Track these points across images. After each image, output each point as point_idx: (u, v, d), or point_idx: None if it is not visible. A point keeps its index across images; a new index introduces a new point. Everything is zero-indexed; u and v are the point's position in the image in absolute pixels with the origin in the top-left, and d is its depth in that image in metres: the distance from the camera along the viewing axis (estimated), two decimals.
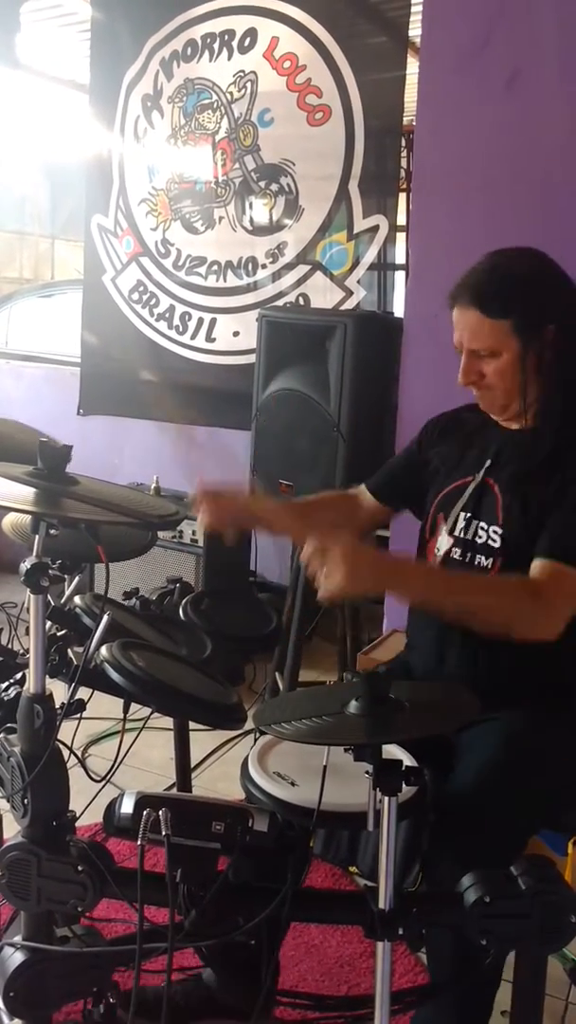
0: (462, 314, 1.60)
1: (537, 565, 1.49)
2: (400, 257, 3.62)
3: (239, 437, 3.50)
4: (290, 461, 2.87)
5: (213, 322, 3.79)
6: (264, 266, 3.60)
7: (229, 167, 3.63)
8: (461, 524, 1.67)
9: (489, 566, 1.60)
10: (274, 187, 3.52)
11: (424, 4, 2.69)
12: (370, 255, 3.36)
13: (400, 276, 3.61)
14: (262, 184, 3.55)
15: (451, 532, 1.68)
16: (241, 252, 3.65)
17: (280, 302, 3.54)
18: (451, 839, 1.40)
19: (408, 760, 1.38)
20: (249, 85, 3.53)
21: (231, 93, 3.59)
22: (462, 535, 1.66)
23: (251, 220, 3.61)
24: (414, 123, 2.77)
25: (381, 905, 1.16)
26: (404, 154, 3.79)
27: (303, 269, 3.50)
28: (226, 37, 3.57)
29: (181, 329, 3.88)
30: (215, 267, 3.74)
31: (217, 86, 3.63)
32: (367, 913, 1.16)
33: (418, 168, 2.80)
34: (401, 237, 3.81)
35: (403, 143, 3.65)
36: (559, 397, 1.58)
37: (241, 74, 3.55)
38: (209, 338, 3.81)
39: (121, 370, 4.09)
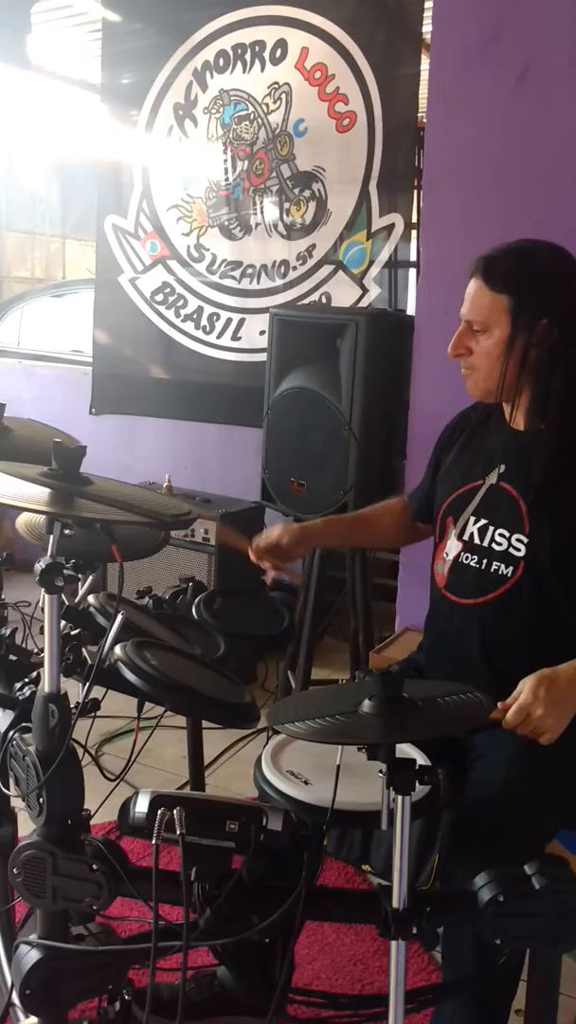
0: (471, 284, 1.60)
1: None
2: (412, 254, 3.62)
3: (251, 435, 3.51)
4: (302, 459, 2.87)
5: (241, 322, 3.85)
6: (295, 268, 3.67)
7: (267, 176, 3.70)
8: (471, 530, 1.64)
9: (510, 575, 1.58)
10: (307, 193, 3.59)
11: (434, 0, 2.68)
12: (384, 253, 3.39)
13: (412, 273, 3.61)
14: (296, 191, 3.62)
15: (460, 536, 1.66)
16: (275, 256, 3.72)
17: (306, 301, 3.61)
18: (473, 841, 1.40)
19: (422, 759, 1.38)
20: (284, 97, 3.59)
21: (267, 105, 3.64)
22: (477, 541, 1.63)
23: (285, 226, 3.68)
24: (425, 119, 2.76)
25: (395, 904, 1.16)
26: (416, 151, 3.78)
27: (328, 269, 3.57)
28: (257, 48, 3.62)
29: (208, 329, 3.94)
30: (250, 270, 3.80)
31: (253, 98, 3.68)
32: (381, 912, 1.16)
33: (429, 164, 2.79)
34: (414, 235, 3.81)
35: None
36: (559, 400, 1.56)
37: (275, 86, 3.60)
38: (235, 337, 3.87)
39: (133, 369, 4.12)
